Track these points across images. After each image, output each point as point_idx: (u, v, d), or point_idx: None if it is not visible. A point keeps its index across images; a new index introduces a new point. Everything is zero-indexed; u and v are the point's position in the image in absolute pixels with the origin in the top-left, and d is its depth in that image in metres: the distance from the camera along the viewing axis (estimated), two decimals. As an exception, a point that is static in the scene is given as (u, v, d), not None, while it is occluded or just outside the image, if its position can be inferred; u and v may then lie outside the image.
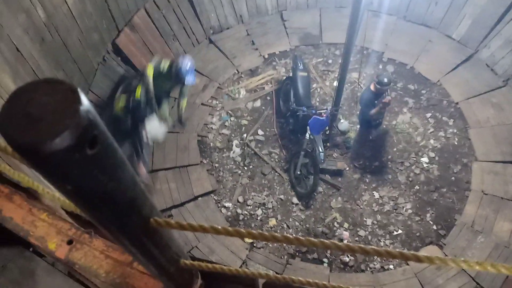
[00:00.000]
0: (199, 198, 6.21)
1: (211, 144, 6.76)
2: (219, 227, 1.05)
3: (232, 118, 7.01)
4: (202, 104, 7.08)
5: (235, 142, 6.77)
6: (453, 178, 6.24)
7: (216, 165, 6.58)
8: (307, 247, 4.65)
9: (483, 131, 6.50)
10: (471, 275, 5.37)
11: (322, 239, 1.14)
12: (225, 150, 6.72)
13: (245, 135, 6.83)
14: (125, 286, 1.64)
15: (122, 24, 6.20)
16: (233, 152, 6.68)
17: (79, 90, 0.74)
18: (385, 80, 5.41)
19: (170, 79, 5.63)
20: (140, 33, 6.55)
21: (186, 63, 5.49)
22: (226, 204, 6.22)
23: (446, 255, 5.59)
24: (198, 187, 6.25)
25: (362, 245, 1.08)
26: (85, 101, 0.72)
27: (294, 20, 7.95)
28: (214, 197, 6.28)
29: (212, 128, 6.91)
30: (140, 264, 1.56)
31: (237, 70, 7.50)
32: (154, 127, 5.74)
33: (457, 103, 6.83)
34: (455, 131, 6.62)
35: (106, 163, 0.84)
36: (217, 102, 7.17)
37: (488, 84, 6.87)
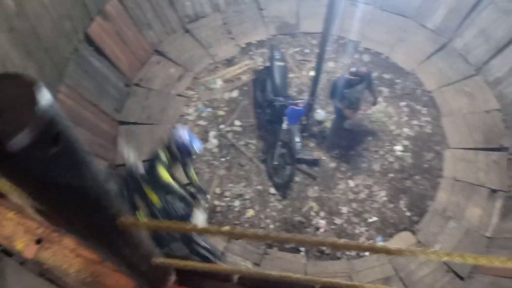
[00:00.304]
0: (176, 190, 6.15)
1: (188, 135, 6.68)
2: (187, 225, 1.03)
3: (209, 109, 6.95)
4: (178, 95, 6.98)
5: (212, 133, 6.72)
6: (426, 165, 6.38)
7: (193, 156, 6.51)
8: (280, 242, 4.71)
9: (455, 120, 6.66)
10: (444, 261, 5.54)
11: (294, 234, 1.14)
12: (201, 141, 6.65)
13: (222, 126, 6.78)
14: (97, 284, 1.61)
15: (94, 13, 6.01)
16: (210, 144, 6.63)
17: (40, 84, 0.70)
18: (354, 70, 5.62)
19: (178, 158, 5.12)
20: (113, 22, 6.38)
21: (183, 134, 5.01)
22: (204, 196, 6.19)
23: (419, 241, 5.75)
24: (174, 179, 6.18)
25: (333, 239, 1.08)
26: (46, 96, 0.68)
27: (271, 9, 7.89)
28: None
29: (188, 119, 6.83)
30: (111, 263, 1.53)
31: (213, 60, 7.42)
32: (196, 218, 5.19)
33: (430, 92, 6.96)
34: (428, 119, 6.76)
35: (70, 161, 0.81)
36: (193, 92, 7.08)
37: (461, 73, 7.03)
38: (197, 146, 5.10)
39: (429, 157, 6.43)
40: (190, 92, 7.08)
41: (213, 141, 6.66)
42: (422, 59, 7.24)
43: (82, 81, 5.83)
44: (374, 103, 6.22)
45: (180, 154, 5.06)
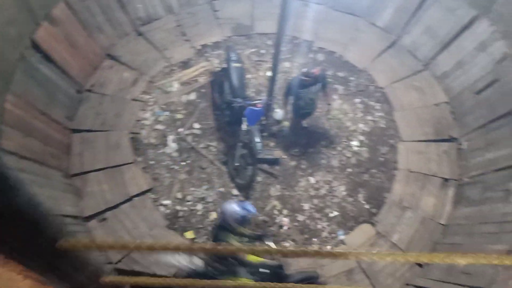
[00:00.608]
0: (135, 198, 6.02)
1: (145, 140, 6.56)
2: (131, 243, 1.01)
3: (166, 113, 6.85)
4: (133, 99, 6.83)
5: (170, 137, 6.63)
6: (381, 159, 6.60)
7: (152, 162, 6.41)
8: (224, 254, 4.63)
9: (407, 114, 6.93)
10: (402, 248, 5.76)
11: (235, 247, 1.14)
12: (160, 146, 6.56)
13: (180, 129, 6.70)
14: (46, 306, 1.55)
15: (41, 18, 5.75)
16: (169, 148, 6.54)
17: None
18: (305, 71, 5.65)
19: (247, 235, 4.88)
20: (61, 26, 6.13)
21: (234, 210, 4.68)
22: (164, 202, 6.10)
23: (378, 232, 5.94)
24: (133, 186, 6.06)
25: (280, 248, 1.10)
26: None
27: (226, 10, 7.88)
28: (151, 195, 6.13)
29: (145, 124, 6.70)
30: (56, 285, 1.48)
31: (168, 63, 7.32)
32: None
33: (382, 88, 7.21)
34: (382, 114, 6.99)
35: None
36: (149, 96, 6.95)
37: (410, 69, 7.31)
38: (252, 211, 4.82)
39: (384, 151, 6.65)
40: (146, 96, 6.95)
41: (172, 145, 6.57)
42: (373, 56, 7.47)
43: (31, 89, 5.57)
44: (328, 105, 6.33)
45: (243, 224, 4.80)
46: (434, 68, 7.19)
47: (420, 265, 5.65)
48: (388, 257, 1.09)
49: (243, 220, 4.71)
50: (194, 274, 4.73)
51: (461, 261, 1.24)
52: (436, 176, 6.31)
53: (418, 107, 6.95)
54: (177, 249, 1.06)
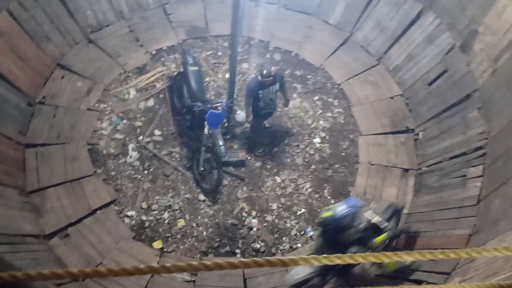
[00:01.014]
0: (98, 211, 5.81)
1: (104, 151, 6.34)
2: (75, 270, 0.96)
3: (124, 121, 6.65)
4: (89, 109, 6.59)
5: (131, 146, 6.45)
6: (343, 153, 6.75)
7: (113, 173, 6.20)
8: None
9: (364, 108, 7.13)
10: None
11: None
12: (120, 155, 6.36)
13: (141, 137, 6.54)
14: None
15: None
16: (130, 157, 6.36)
17: None
18: (264, 72, 5.53)
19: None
20: (5, 38, 5.82)
21: (343, 210, 4.56)
22: (129, 213, 5.92)
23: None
24: (95, 199, 5.84)
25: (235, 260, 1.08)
26: None
27: (179, 13, 7.77)
28: (115, 207, 5.93)
29: (103, 134, 6.48)
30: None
31: (123, 69, 7.12)
32: None
33: (339, 84, 7.37)
34: (340, 110, 7.15)
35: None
36: (105, 105, 6.73)
37: (364, 64, 7.53)
38: (359, 204, 4.71)
39: (345, 146, 6.81)
40: (102, 105, 6.72)
41: (134, 154, 6.39)
42: (328, 54, 7.63)
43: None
44: (287, 104, 6.39)
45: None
46: (386, 62, 7.44)
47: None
48: (337, 260, 1.11)
49: (356, 216, 4.71)
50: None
51: (408, 258, 1.29)
52: (396, 167, 6.52)
53: (374, 101, 7.17)
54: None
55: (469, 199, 5.41)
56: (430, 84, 6.68)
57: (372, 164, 6.56)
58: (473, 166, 5.46)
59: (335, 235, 4.75)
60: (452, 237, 5.25)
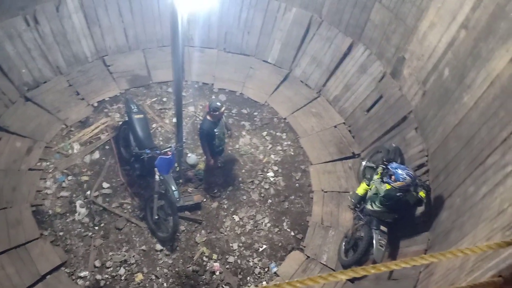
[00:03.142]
0: (48, 276, 5.40)
1: (50, 211, 5.99)
2: None
3: (70, 177, 6.37)
4: (30, 169, 6.25)
5: (78, 202, 6.14)
6: (297, 184, 6.86)
7: (61, 233, 5.84)
8: None
9: (311, 138, 7.37)
10: (333, 269, 5.93)
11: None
12: (68, 214, 6.02)
13: (88, 192, 6.26)
14: None
15: None
16: (79, 214, 6.04)
17: None
18: (217, 104, 5.63)
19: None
20: None
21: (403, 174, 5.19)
22: (82, 274, 5.54)
23: (308, 256, 6.06)
24: (43, 264, 5.43)
25: None
26: None
27: (119, 64, 7.77)
28: (66, 270, 5.54)
29: (47, 193, 6.14)
30: None
31: (65, 124, 6.90)
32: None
33: (285, 119, 7.60)
34: (289, 143, 7.33)
35: None
36: (48, 163, 6.42)
37: (306, 97, 7.86)
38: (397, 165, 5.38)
39: (298, 177, 6.93)
40: (44, 163, 6.41)
41: (82, 211, 6.08)
42: (271, 90, 7.90)
43: None
44: (230, 135, 6.47)
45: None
46: (326, 93, 7.83)
47: (351, 280, 5.85)
48: (311, 281, 1.12)
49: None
50: None
51: (373, 271, 1.32)
52: (347, 192, 6.71)
53: (320, 131, 7.45)
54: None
55: (421, 215, 5.66)
56: (368, 110, 7.09)
57: (325, 192, 6.70)
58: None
59: (401, 198, 5.29)
60: (408, 254, 5.42)
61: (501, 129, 4.23)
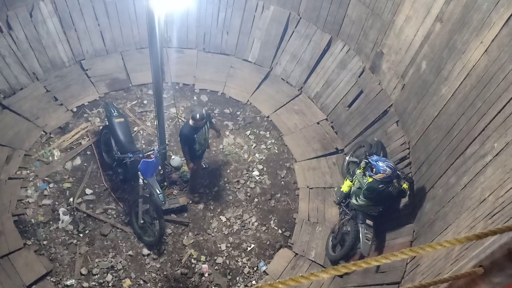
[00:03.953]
0: (33, 287, 5.30)
1: (33, 220, 5.86)
2: None
3: (51, 185, 6.25)
4: (10, 178, 6.11)
5: (61, 210, 6.03)
6: (282, 182, 6.88)
7: (45, 242, 5.73)
8: None
9: (294, 136, 7.39)
10: (321, 265, 5.96)
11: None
12: (51, 222, 5.91)
13: (71, 199, 6.15)
14: None
15: None
16: (62, 222, 5.93)
17: None
18: (197, 116, 5.44)
19: None
20: None
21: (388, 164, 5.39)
22: (68, 282, 5.45)
23: (296, 253, 6.09)
24: (28, 274, 5.32)
25: None
26: None
27: (97, 68, 7.65)
28: (51, 279, 5.44)
29: (29, 202, 6.01)
30: None
31: (44, 131, 6.76)
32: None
33: (268, 117, 7.61)
34: (273, 141, 7.34)
35: None
36: (28, 171, 6.29)
37: (287, 95, 7.88)
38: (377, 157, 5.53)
39: (283, 174, 6.95)
40: (25, 172, 6.28)
41: (65, 218, 5.98)
42: (253, 89, 7.90)
43: None
44: (219, 135, 6.43)
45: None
46: (307, 90, 7.86)
47: (340, 275, 5.91)
48: (302, 279, 1.12)
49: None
50: None
51: (364, 265, 1.31)
52: (332, 187, 6.76)
53: (303, 128, 7.48)
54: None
55: (405, 208, 5.75)
56: (350, 105, 7.15)
57: (310, 188, 6.74)
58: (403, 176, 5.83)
59: (383, 190, 5.38)
60: (395, 246, 5.50)
61: (479, 119, 4.32)
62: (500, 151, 3.86)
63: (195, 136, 5.71)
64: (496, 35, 4.28)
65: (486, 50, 4.42)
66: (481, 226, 3.61)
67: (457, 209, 4.29)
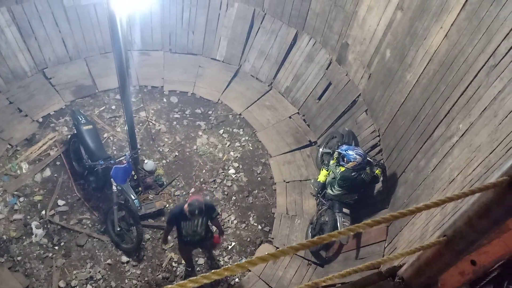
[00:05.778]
0: (9, 305, 5.11)
1: (4, 236, 5.66)
2: None
3: (22, 199, 6.04)
4: (-24, 195, 5.87)
5: (34, 223, 5.84)
6: (259, 178, 6.89)
7: (19, 258, 5.54)
8: None
9: (268, 131, 7.42)
10: (303, 256, 6.01)
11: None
12: (24, 237, 5.72)
13: (43, 211, 5.97)
14: None
15: None
16: (36, 236, 5.75)
17: None
18: (191, 208, 4.50)
19: None
20: None
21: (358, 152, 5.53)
22: (46, 297, 5.31)
23: (277, 248, 6.12)
24: (2, 293, 5.14)
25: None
26: None
27: (60, 76, 7.45)
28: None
29: (-2, 218, 5.80)
30: None
31: (10, 144, 6.53)
32: None
33: (240, 114, 7.60)
34: (247, 138, 7.34)
35: None
36: (-4, 187, 6.06)
37: (258, 91, 7.90)
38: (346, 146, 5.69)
39: (259, 170, 6.96)
40: (-9, 188, 6.05)
41: (39, 232, 5.80)
42: (223, 88, 7.87)
43: None
44: (221, 234, 5.37)
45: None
46: (277, 85, 7.90)
47: (321, 265, 5.97)
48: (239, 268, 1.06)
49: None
50: None
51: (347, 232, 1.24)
52: (308, 179, 6.83)
53: (275, 123, 7.51)
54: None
55: (379, 194, 5.87)
56: (320, 98, 7.24)
57: (287, 182, 6.78)
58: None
59: (356, 178, 5.47)
60: (372, 232, 5.60)
61: (444, 103, 4.45)
62: (465, 132, 3.99)
63: (181, 222, 4.88)
64: (455, 20, 4.41)
65: (446, 35, 4.55)
66: (452, 206, 3.73)
67: (429, 191, 4.41)
